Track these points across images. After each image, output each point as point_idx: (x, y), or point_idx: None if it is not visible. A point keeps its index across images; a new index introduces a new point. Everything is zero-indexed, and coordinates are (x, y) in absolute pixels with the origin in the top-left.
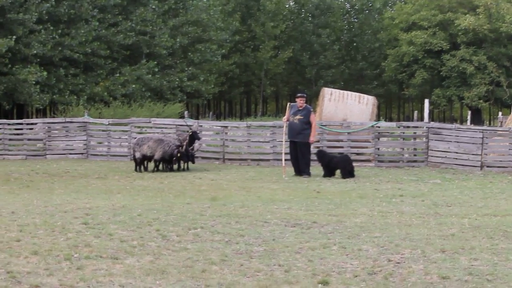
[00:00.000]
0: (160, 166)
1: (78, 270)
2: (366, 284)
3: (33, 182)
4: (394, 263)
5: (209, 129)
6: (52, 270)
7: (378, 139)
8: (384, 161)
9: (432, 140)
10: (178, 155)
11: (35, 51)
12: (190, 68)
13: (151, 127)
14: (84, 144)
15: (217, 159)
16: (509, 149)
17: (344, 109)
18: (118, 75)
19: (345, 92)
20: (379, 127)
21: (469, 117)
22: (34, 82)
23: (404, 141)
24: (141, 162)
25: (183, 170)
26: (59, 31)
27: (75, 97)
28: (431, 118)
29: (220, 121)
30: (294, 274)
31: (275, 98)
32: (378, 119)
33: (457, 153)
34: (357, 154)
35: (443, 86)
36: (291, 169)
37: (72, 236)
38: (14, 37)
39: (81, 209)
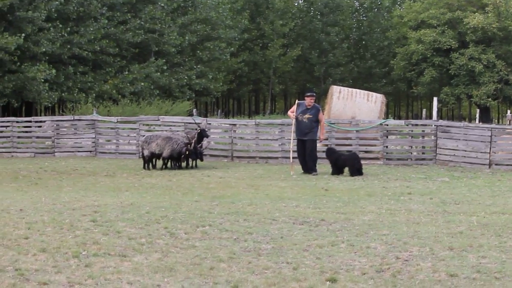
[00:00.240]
0: (169, 164)
1: (86, 268)
2: (374, 282)
3: (41, 179)
4: (402, 260)
5: (217, 127)
6: (60, 267)
7: (387, 137)
8: (392, 159)
9: (441, 138)
10: (187, 153)
11: (44, 49)
12: (198, 66)
13: (159, 125)
14: (93, 142)
15: (226, 157)
16: None
17: (353, 107)
18: (126, 73)
19: (354, 90)
20: (387, 125)
21: (477, 115)
22: (43, 80)
23: (413, 139)
24: (149, 160)
25: (192, 167)
26: (68, 29)
27: (84, 95)
28: (440, 116)
29: (228, 119)
30: (302, 272)
31: (284, 96)
32: (386, 117)
33: (465, 151)
34: (366, 152)
35: (452, 84)
36: (299, 167)
37: (80, 234)
38: (23, 35)
39: (90, 206)
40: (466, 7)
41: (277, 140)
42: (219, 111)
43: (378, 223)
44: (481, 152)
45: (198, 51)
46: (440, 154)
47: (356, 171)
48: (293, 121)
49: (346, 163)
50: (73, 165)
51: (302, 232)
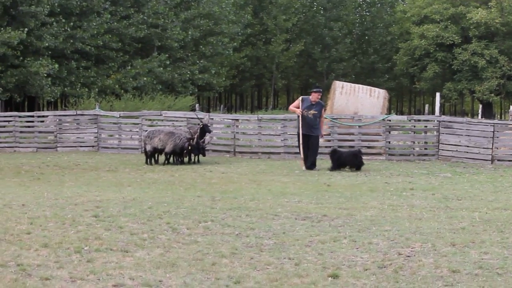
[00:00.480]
0: (171, 159)
1: (88, 263)
2: (376, 278)
3: (43, 174)
4: (404, 256)
5: (220, 122)
6: (62, 262)
7: (389, 133)
8: (394, 155)
9: (443, 133)
10: (189, 148)
11: (47, 44)
12: (201, 61)
13: (162, 120)
14: (95, 137)
15: (228, 152)
16: None
17: (355, 102)
18: (129, 67)
19: (357, 85)
20: (390, 120)
21: (480, 111)
22: (45, 75)
23: (415, 135)
24: (152, 155)
25: (194, 163)
26: (71, 23)
27: (87, 90)
28: (442, 111)
29: (231, 114)
30: (304, 267)
31: (286, 91)
32: (389, 112)
33: (468, 146)
34: (368, 147)
35: (455, 80)
36: (302, 162)
37: (83, 229)
38: (26, 29)
39: (92, 201)
40: (469, 2)
41: (279, 135)
42: (222, 106)
43: (380, 218)
44: (484, 148)
45: (201, 46)
46: (442, 149)
47: (356, 167)
48: (299, 117)
49: (347, 162)
50: (75, 160)
51: (304, 228)
